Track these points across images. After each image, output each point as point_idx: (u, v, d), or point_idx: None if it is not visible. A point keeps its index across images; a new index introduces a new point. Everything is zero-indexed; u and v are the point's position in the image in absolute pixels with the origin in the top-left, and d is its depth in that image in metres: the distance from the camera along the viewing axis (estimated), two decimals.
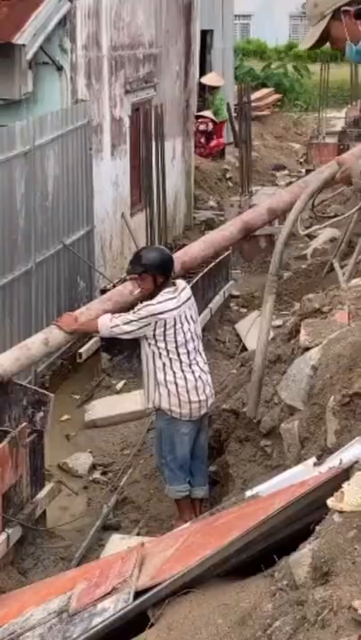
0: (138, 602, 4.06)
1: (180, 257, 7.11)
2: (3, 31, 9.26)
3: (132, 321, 6.03)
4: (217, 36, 18.80)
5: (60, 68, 9.92)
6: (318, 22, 3.62)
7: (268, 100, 23.82)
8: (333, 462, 3.80)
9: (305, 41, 3.78)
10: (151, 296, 6.11)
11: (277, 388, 5.58)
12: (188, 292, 6.24)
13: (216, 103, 17.69)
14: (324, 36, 3.71)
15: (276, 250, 5.69)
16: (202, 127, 17.00)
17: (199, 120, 16.78)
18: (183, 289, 6.19)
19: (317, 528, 3.27)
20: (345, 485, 3.27)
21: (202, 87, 17.42)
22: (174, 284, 6.19)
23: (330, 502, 3.21)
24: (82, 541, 6.09)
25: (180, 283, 6.29)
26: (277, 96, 25.08)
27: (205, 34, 17.93)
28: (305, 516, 3.67)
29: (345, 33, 3.57)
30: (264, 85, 25.54)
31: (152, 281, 6.12)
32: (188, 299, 6.19)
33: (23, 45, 9.26)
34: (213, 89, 17.84)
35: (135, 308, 6.12)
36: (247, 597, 3.52)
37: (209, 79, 17.92)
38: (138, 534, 6.16)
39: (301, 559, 3.17)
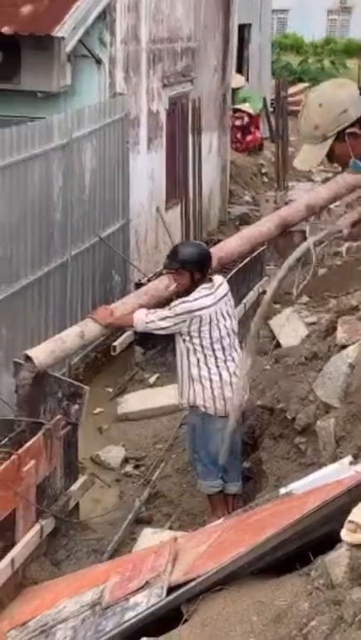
0: (171, 597, 4.06)
1: (216, 252, 7.09)
2: (43, 24, 9.28)
3: (167, 317, 6.03)
4: (255, 30, 18.74)
5: (98, 62, 9.93)
6: (321, 143, 3.58)
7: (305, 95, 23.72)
8: None
9: (305, 161, 3.74)
10: (187, 292, 6.10)
11: (313, 385, 5.57)
12: (225, 287, 6.22)
13: (249, 99, 17.63)
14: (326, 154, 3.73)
15: (256, 320, 5.01)
16: (238, 122, 16.95)
17: (235, 114, 16.73)
18: (220, 285, 6.17)
19: None
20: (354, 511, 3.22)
21: None
22: (211, 280, 6.17)
23: (344, 535, 3.16)
24: (114, 534, 6.11)
25: (218, 278, 6.27)
26: None
27: (243, 28, 17.88)
28: (341, 515, 3.65)
29: (349, 151, 3.57)
30: (300, 80, 25.43)
31: (189, 277, 6.11)
32: (225, 295, 6.17)
33: (62, 38, 9.27)
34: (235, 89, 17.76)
35: (171, 304, 6.11)
36: (283, 595, 3.52)
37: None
38: (170, 528, 6.17)
39: (339, 559, 3.16)
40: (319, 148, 3.57)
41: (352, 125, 3.56)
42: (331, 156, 3.60)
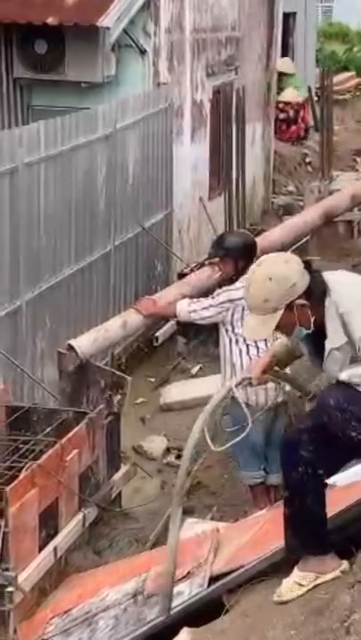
0: (213, 587, 4.08)
1: (259, 242, 7.07)
2: (87, 14, 9.29)
3: (210, 306, 6.02)
4: (299, 18, 18.58)
5: (142, 52, 9.92)
6: (271, 314, 3.79)
7: (350, 84, 23.49)
8: None
9: (257, 332, 3.97)
10: (231, 281, 6.08)
11: None
12: None
13: (292, 85, 17.48)
14: None
15: (182, 471, 4.27)
16: (282, 116, 16.83)
17: (280, 107, 16.61)
18: None
19: None
20: None
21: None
22: None
23: None
24: (156, 524, 6.12)
25: None
26: (359, 80, 24.70)
27: (288, 16, 17.73)
28: None
29: (295, 320, 3.82)
30: (345, 69, 25.18)
31: (233, 265, 6.09)
32: None
33: (107, 28, 9.28)
34: (283, 75, 17.60)
35: (214, 293, 6.10)
36: (324, 588, 3.51)
37: (281, 64, 17.73)
38: (212, 519, 6.17)
39: None
40: (270, 319, 3.79)
41: (299, 297, 3.80)
42: (276, 325, 3.84)
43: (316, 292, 3.81)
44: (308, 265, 3.89)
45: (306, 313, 3.79)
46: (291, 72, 17.63)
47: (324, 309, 3.79)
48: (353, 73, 25.01)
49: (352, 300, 3.78)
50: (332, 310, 3.77)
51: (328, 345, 3.77)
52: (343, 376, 3.74)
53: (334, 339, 3.75)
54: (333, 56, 25.59)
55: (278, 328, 3.85)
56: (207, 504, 6.57)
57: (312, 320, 3.80)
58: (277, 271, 3.82)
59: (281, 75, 17.34)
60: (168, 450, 7.55)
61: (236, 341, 6.05)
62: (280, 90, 17.23)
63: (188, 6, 10.95)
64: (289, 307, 3.79)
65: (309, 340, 3.94)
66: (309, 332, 3.85)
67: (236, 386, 4.02)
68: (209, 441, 4.10)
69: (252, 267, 4.06)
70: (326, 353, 3.78)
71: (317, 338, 3.85)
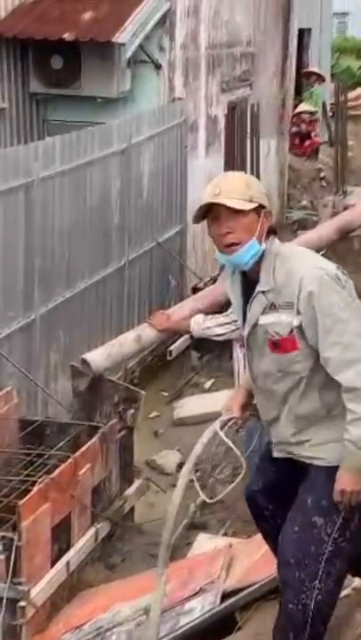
0: (225, 604, 4.07)
1: None
2: (103, 30, 9.34)
3: (225, 324, 6.02)
4: (315, 34, 18.63)
5: (158, 67, 9.97)
6: (247, 202, 3.33)
7: None
8: None
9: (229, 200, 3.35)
10: None
11: None
12: None
13: (314, 94, 17.56)
14: None
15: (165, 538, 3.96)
16: (294, 129, 16.87)
17: (293, 120, 16.65)
18: None
19: None
20: None
21: (298, 83, 17.33)
22: None
23: None
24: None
25: None
26: None
27: (303, 32, 17.78)
28: None
29: (256, 229, 3.36)
30: (359, 84, 25.20)
31: None
32: None
33: (123, 44, 9.33)
34: (316, 79, 17.66)
35: (228, 310, 6.10)
36: (337, 606, 3.49)
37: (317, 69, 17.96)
38: (225, 534, 6.15)
39: None
40: (245, 204, 3.30)
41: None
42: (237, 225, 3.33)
43: None
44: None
45: (266, 224, 3.35)
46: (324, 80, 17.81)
47: None
48: None
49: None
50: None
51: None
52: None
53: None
54: (349, 71, 25.63)
55: (236, 229, 3.32)
56: (220, 519, 6.54)
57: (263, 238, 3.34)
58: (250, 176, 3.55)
59: (315, 79, 17.48)
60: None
61: None
62: (308, 97, 17.35)
63: (203, 22, 11.00)
64: (256, 211, 3.34)
65: None
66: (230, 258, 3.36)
67: (222, 428, 3.73)
68: (200, 491, 3.98)
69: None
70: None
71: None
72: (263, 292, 3.33)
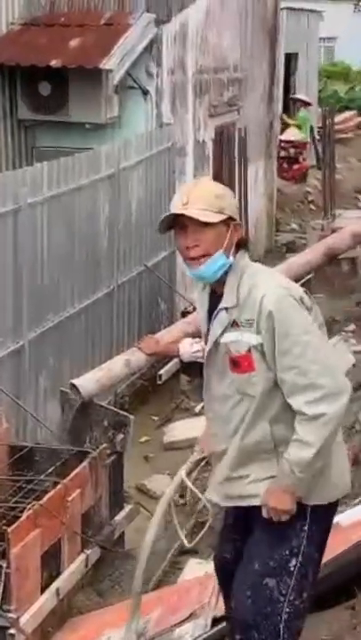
0: (216, 629, 4.05)
1: None
2: (91, 56, 9.41)
3: None
4: (301, 59, 18.79)
5: (145, 93, 10.04)
6: (216, 214, 3.19)
7: (352, 123, 23.67)
8: None
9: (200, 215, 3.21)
10: None
11: (359, 415, 5.53)
12: None
13: (301, 116, 17.75)
14: None
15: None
16: (283, 153, 17.00)
17: (281, 145, 16.78)
18: None
19: None
20: None
21: (285, 107, 17.50)
22: None
23: None
24: (159, 565, 6.08)
25: None
26: (360, 119, 24.89)
27: (290, 57, 17.94)
28: None
29: (224, 242, 3.22)
30: (347, 108, 25.38)
31: None
32: None
33: (110, 70, 9.39)
34: (301, 105, 17.90)
35: None
36: (327, 629, 3.48)
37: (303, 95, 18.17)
38: None
39: None
40: (214, 216, 3.16)
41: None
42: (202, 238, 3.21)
43: None
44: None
45: (235, 237, 3.22)
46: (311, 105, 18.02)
47: None
48: (355, 112, 25.21)
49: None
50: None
51: None
52: None
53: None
54: (336, 95, 25.81)
55: (203, 241, 3.18)
56: (210, 544, 6.52)
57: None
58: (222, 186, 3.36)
59: (304, 105, 17.69)
60: None
61: None
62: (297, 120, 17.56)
63: (190, 48, 11.08)
64: (226, 223, 3.21)
65: None
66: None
67: (193, 470, 3.58)
68: (182, 536, 3.86)
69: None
70: None
71: None
72: (226, 308, 3.23)
